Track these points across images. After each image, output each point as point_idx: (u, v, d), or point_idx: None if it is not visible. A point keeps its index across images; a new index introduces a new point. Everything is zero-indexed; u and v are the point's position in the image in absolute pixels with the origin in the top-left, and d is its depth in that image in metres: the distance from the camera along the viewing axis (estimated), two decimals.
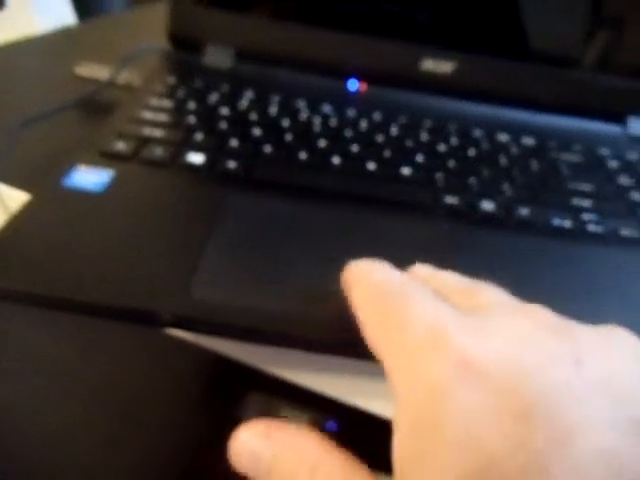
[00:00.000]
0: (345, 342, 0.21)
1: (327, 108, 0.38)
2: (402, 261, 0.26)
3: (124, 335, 0.27)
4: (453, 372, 0.14)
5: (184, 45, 0.42)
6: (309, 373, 0.25)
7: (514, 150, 0.37)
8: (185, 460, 0.22)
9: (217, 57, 0.41)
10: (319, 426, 0.24)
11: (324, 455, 0.15)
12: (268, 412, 0.25)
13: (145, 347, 0.26)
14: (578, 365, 0.14)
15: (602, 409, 0.13)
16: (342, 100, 0.39)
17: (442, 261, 0.27)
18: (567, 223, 0.30)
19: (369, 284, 0.19)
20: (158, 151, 0.31)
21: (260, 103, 0.37)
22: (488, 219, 0.30)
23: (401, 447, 0.14)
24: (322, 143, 0.34)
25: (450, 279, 0.21)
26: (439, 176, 0.33)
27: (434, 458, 0.13)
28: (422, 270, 0.22)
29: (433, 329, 0.15)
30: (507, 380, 0.13)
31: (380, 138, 0.35)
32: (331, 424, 0.24)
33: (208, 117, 0.35)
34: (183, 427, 0.23)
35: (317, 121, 0.36)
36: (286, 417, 0.24)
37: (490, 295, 0.19)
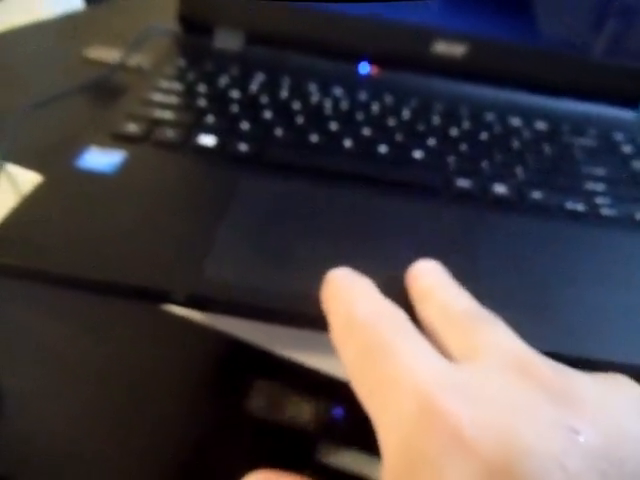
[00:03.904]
0: None
1: (338, 91, 0.38)
2: (413, 244, 0.26)
3: (131, 318, 0.27)
4: (442, 445, 0.13)
5: (194, 28, 0.42)
6: (318, 354, 0.25)
7: (527, 134, 0.36)
8: (190, 447, 0.22)
9: (227, 40, 0.41)
10: (326, 413, 0.25)
11: None
12: (275, 399, 0.25)
13: (153, 331, 0.27)
14: (574, 435, 0.13)
15: None
16: (353, 83, 0.39)
17: (453, 244, 0.27)
18: (580, 206, 0.30)
19: (350, 320, 0.18)
20: (169, 133, 0.31)
21: (271, 86, 0.37)
22: (500, 202, 0.30)
23: None
24: (334, 126, 0.34)
25: (451, 302, 0.20)
26: (451, 159, 0.33)
27: None
28: (425, 279, 0.21)
29: (420, 393, 0.14)
30: (496, 457, 0.13)
31: (392, 121, 0.35)
32: (338, 411, 0.25)
33: (219, 100, 0.35)
34: (189, 414, 0.23)
35: (328, 104, 0.36)
36: (293, 404, 0.24)
37: (489, 335, 0.17)
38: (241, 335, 0.26)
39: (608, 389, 0.15)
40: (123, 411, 0.23)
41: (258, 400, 0.24)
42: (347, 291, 0.19)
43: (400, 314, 0.18)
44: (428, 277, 0.21)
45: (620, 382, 0.16)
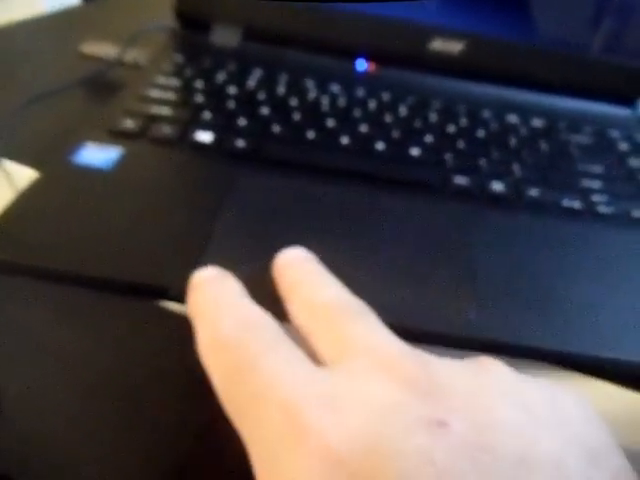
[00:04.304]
0: None
1: (335, 88, 0.38)
2: (410, 241, 0.26)
3: (130, 317, 0.27)
4: (315, 467, 0.13)
5: (191, 24, 0.42)
6: None
7: (524, 131, 0.36)
8: (190, 446, 0.22)
9: (225, 36, 0.41)
10: None
11: None
12: None
13: (152, 331, 0.26)
14: (441, 428, 0.13)
15: (468, 477, 0.12)
16: (350, 80, 0.39)
17: (450, 242, 0.27)
18: (577, 204, 0.30)
19: (216, 339, 0.17)
20: (166, 129, 0.31)
21: (268, 82, 0.37)
22: (498, 199, 0.30)
23: None
24: (331, 123, 0.34)
25: (315, 295, 0.19)
26: (448, 157, 0.33)
27: None
28: (289, 273, 0.20)
29: (285, 407, 0.14)
30: (366, 467, 0.12)
31: (389, 118, 0.35)
32: None
33: (216, 96, 0.35)
34: (190, 412, 0.23)
35: (325, 101, 0.36)
36: None
37: (354, 331, 0.17)
38: None
39: (477, 376, 0.15)
40: (123, 410, 0.23)
41: None
42: (212, 304, 0.18)
43: (269, 322, 0.17)
44: (292, 269, 0.20)
45: (489, 366, 0.15)
